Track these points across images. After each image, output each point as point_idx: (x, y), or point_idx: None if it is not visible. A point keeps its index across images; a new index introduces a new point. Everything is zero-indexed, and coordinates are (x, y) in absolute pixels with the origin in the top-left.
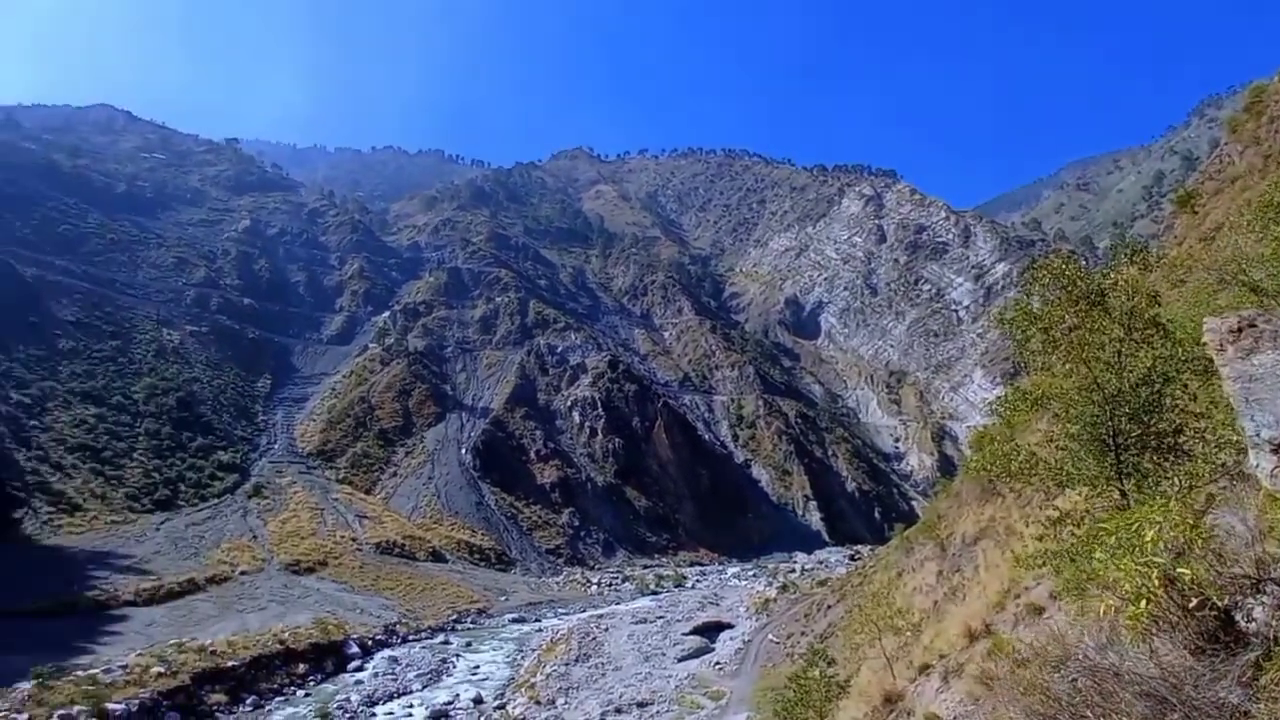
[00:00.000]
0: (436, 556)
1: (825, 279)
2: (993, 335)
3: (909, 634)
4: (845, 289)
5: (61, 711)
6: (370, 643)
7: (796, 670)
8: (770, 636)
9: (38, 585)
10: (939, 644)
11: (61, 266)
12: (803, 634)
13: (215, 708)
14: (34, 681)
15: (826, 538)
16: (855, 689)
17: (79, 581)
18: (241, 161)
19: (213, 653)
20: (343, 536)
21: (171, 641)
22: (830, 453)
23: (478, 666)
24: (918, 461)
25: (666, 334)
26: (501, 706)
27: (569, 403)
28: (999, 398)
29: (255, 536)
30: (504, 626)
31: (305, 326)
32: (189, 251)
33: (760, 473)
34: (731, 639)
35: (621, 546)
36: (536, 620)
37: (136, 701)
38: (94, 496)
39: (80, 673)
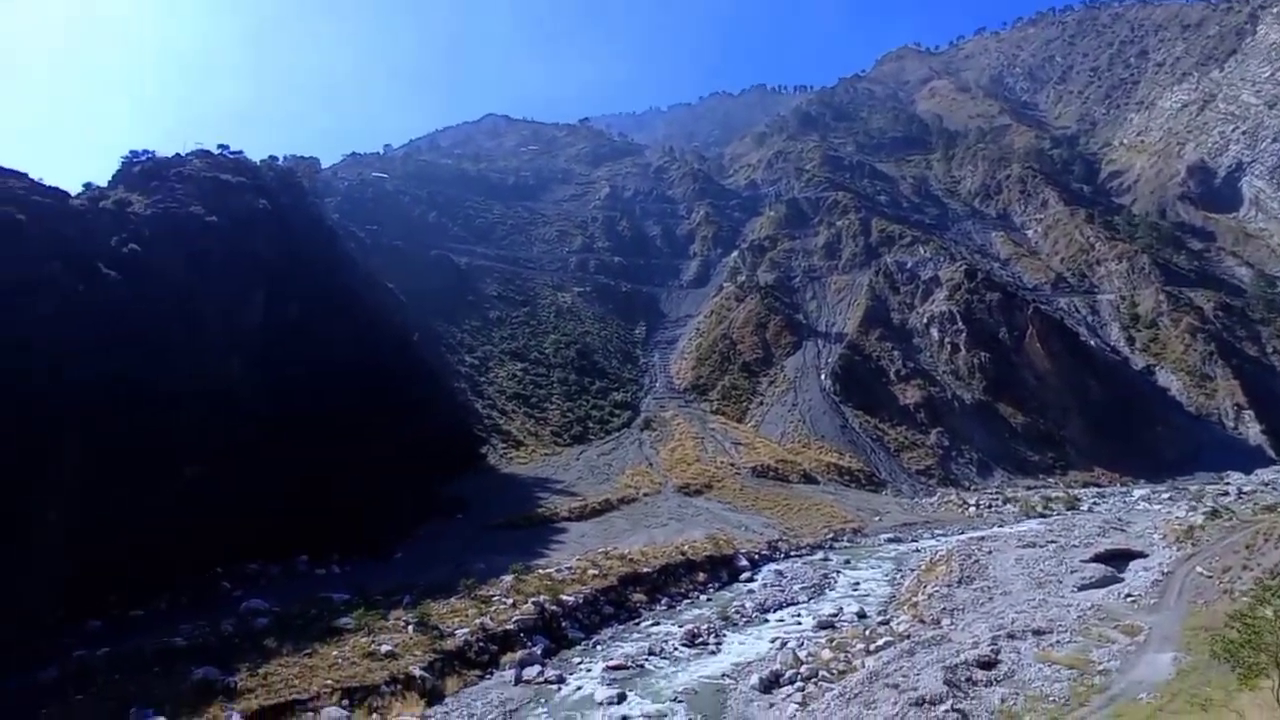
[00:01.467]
0: (808, 479)
1: (1244, 133)
2: None
3: None
4: (1275, 140)
5: (533, 599)
6: (757, 557)
7: (1240, 608)
8: (1198, 569)
9: (505, 504)
10: None
11: (481, 253)
12: (1244, 567)
13: (638, 604)
14: (512, 575)
15: (1271, 454)
16: None
17: (530, 501)
18: (594, 137)
19: (631, 560)
20: (722, 462)
21: (599, 549)
22: (1270, 349)
23: (858, 583)
24: None
25: (1030, 233)
26: (885, 622)
27: (925, 320)
28: None
29: (650, 464)
30: (880, 546)
31: (667, 275)
32: (566, 224)
33: (1168, 379)
34: (1145, 570)
35: (998, 467)
36: (912, 540)
37: (581, 595)
38: (530, 434)
39: (541, 571)
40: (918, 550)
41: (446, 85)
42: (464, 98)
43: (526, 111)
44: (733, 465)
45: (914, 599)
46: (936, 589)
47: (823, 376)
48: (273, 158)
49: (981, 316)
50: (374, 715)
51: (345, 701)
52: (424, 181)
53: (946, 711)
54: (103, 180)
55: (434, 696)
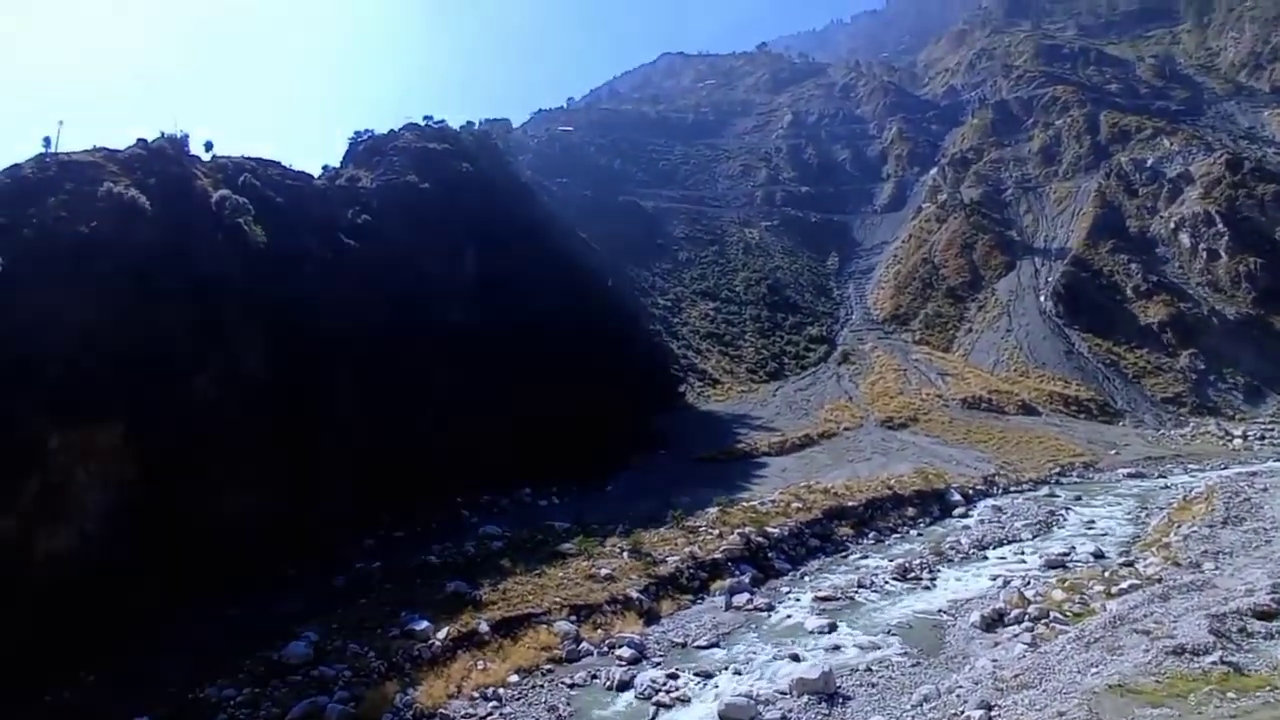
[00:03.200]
0: (1027, 409)
1: None
2: None
3: None
4: None
5: (739, 530)
6: (971, 492)
7: None
8: None
9: (704, 439)
10: None
11: (666, 195)
12: None
13: (844, 538)
14: (717, 507)
15: None
16: None
17: (729, 437)
18: (772, 62)
19: (835, 494)
20: (928, 394)
21: (801, 484)
22: None
23: (1092, 521)
24: None
25: None
26: (1129, 564)
27: (1172, 225)
28: None
29: (850, 398)
30: (1118, 482)
31: (858, 201)
32: (749, 157)
33: None
34: None
35: (1273, 392)
36: (1159, 476)
37: (786, 528)
38: (725, 372)
39: (744, 504)
40: (1166, 487)
41: (620, 30)
42: (639, 41)
43: (701, 46)
44: (939, 397)
45: (1165, 540)
46: (1195, 529)
47: (1042, 298)
48: (469, 123)
49: (1250, 215)
50: (599, 630)
51: (573, 617)
52: (606, 129)
53: (1214, 663)
54: (335, 159)
55: (650, 617)
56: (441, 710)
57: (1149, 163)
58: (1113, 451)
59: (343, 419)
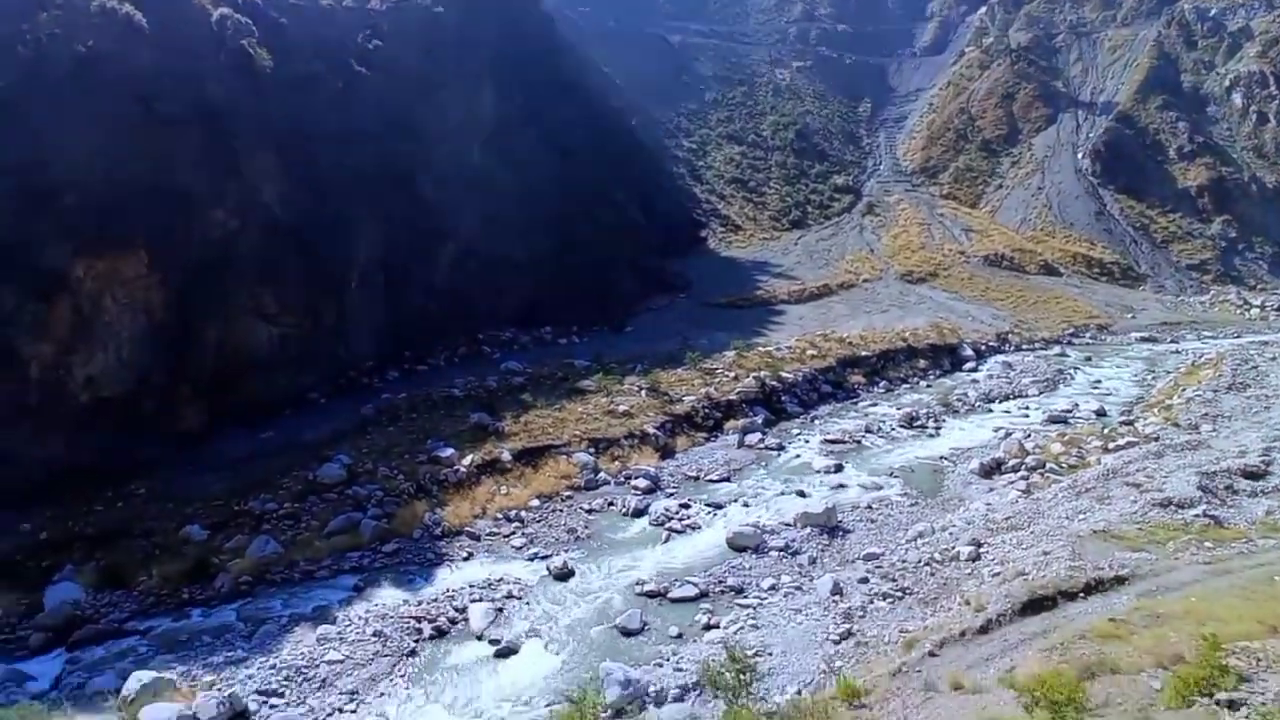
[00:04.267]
0: (1048, 270)
1: None
2: None
3: None
4: None
5: (754, 373)
6: (983, 348)
7: None
8: None
9: (725, 285)
10: None
11: (695, 29)
12: None
13: (856, 386)
14: (734, 351)
15: None
16: None
17: (749, 283)
18: None
19: (849, 343)
20: (950, 249)
21: (817, 332)
22: None
23: (1099, 381)
24: None
25: None
26: (1129, 423)
27: (1226, 83)
28: None
29: (871, 250)
30: (1129, 345)
31: (898, 42)
32: None
33: None
34: None
35: None
36: (1171, 342)
37: (800, 373)
38: (748, 219)
39: (760, 349)
40: (1177, 352)
41: None
42: None
43: None
44: (962, 253)
45: (1167, 401)
46: (1199, 393)
47: (1079, 155)
48: None
49: None
50: (616, 462)
51: (591, 449)
52: None
53: (1197, 516)
54: None
55: (666, 452)
56: (468, 528)
57: (1212, 12)
58: (1129, 315)
59: (363, 256)
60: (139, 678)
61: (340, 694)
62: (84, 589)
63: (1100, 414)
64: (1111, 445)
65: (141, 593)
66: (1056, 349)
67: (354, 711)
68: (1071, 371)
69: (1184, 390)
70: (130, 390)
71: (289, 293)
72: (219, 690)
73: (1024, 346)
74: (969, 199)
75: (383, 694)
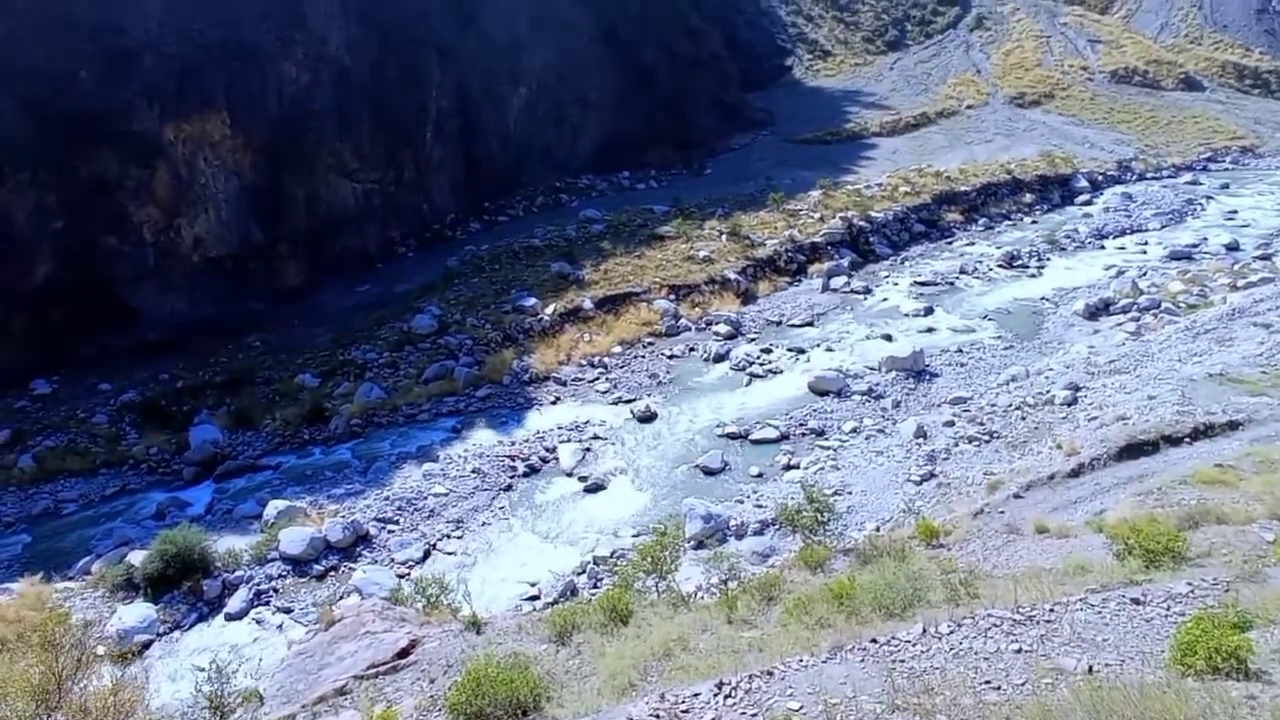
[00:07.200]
0: (1189, 84)
1: None
2: None
3: None
4: None
5: (840, 214)
6: (1100, 178)
7: None
8: None
9: (811, 119)
10: None
11: None
12: None
13: (952, 224)
14: (820, 190)
15: None
16: None
17: (837, 116)
18: None
19: (947, 178)
20: (1071, 65)
21: (912, 167)
22: None
23: (1235, 211)
24: None
25: None
26: (1266, 257)
27: None
28: None
29: (978, 71)
30: (1276, 170)
31: None
32: None
33: None
34: None
35: None
36: None
37: (890, 212)
38: (838, 42)
39: (849, 187)
40: None
41: None
42: None
43: None
44: (1084, 69)
45: None
46: None
47: None
48: None
49: None
50: (697, 308)
51: (672, 295)
52: None
53: None
54: None
55: (747, 297)
56: (554, 374)
57: None
58: (1278, 135)
59: (434, 105)
60: (276, 505)
61: (447, 522)
62: (221, 430)
63: (1232, 248)
64: (1241, 283)
65: (269, 433)
66: (1188, 176)
67: (460, 538)
68: (1203, 201)
69: None
70: (235, 250)
71: (367, 146)
72: (342, 517)
73: (1149, 175)
74: (1099, 4)
75: (484, 523)
